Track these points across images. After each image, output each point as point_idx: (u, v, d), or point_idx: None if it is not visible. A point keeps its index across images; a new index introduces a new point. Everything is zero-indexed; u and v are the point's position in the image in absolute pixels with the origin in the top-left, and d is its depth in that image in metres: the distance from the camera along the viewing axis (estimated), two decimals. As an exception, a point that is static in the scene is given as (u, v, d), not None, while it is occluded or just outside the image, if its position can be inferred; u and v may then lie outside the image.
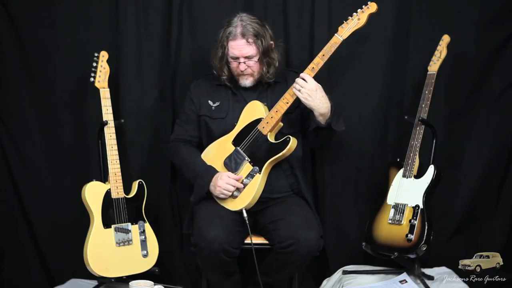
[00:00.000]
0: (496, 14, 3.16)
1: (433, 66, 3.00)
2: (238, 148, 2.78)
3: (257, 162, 2.74)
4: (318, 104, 2.67)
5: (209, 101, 2.90)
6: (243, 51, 2.77)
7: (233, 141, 2.80)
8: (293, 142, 2.71)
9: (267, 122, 2.74)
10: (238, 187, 2.72)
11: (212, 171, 2.77)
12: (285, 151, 2.71)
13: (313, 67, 2.70)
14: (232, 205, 2.74)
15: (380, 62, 3.18)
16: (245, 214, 2.67)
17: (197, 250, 2.64)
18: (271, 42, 2.84)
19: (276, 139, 2.76)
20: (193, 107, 2.92)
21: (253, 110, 2.81)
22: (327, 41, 2.79)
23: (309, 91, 2.66)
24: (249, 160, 2.75)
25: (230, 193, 2.72)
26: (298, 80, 2.69)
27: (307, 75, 2.69)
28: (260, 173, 2.72)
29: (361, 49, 3.15)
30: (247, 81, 2.84)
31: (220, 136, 2.85)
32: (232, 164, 2.77)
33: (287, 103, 2.72)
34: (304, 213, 2.74)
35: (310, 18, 3.16)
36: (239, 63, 2.78)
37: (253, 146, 2.75)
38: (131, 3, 3.15)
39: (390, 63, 3.19)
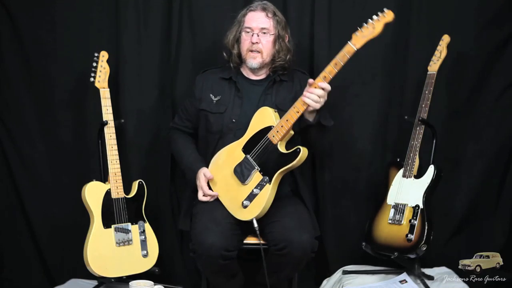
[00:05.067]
0: (496, 14, 3.16)
1: (433, 66, 3.00)
2: (248, 156, 2.70)
3: (267, 172, 2.65)
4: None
5: (211, 95, 2.86)
6: (260, 21, 2.78)
7: (243, 148, 2.72)
8: (303, 153, 2.61)
9: (277, 131, 2.64)
10: (210, 194, 2.73)
11: (195, 169, 2.79)
12: (295, 162, 2.61)
13: (325, 76, 2.56)
14: (243, 215, 2.67)
15: (380, 62, 3.18)
16: (255, 224, 2.61)
17: (195, 256, 2.64)
18: (287, 35, 2.85)
19: (287, 148, 2.68)
20: (195, 102, 2.89)
21: (263, 117, 2.71)
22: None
23: (324, 101, 2.61)
24: (259, 169, 2.67)
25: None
26: (316, 91, 2.57)
27: (328, 85, 2.58)
28: (270, 184, 2.64)
29: (361, 48, 3.13)
30: (254, 61, 2.79)
31: (217, 131, 2.82)
32: (241, 172, 2.69)
33: (298, 112, 2.60)
34: (298, 215, 2.70)
35: (310, 18, 3.16)
36: (252, 35, 2.77)
37: (263, 155, 2.67)
38: (131, 3, 3.15)
39: (390, 63, 3.19)
